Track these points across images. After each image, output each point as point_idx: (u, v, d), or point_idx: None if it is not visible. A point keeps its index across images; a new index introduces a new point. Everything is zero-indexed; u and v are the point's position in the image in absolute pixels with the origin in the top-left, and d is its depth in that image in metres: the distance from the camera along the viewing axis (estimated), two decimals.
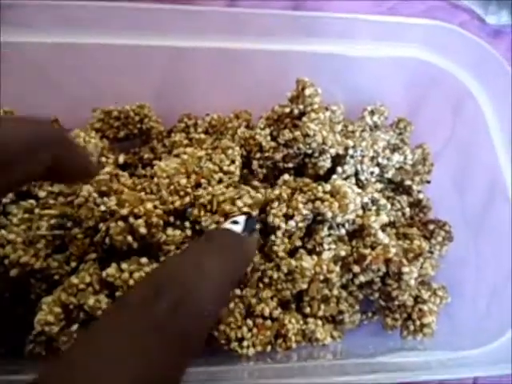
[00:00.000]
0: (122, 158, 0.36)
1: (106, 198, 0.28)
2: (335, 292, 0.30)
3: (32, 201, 0.30)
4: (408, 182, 0.36)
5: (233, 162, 0.33)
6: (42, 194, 0.30)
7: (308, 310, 0.30)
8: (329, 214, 0.29)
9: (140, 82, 0.38)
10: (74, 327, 0.26)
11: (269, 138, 0.34)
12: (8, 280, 0.27)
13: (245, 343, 0.27)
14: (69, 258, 0.29)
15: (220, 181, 0.32)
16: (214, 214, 0.28)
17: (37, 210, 0.30)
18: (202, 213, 0.28)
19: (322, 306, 0.31)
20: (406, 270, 0.29)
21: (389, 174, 0.35)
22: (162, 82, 0.39)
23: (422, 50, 0.39)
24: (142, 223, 0.27)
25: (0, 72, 0.33)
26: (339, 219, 0.29)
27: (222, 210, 0.28)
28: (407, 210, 0.35)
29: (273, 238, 0.30)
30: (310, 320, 0.30)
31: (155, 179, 0.31)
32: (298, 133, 0.31)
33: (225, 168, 0.33)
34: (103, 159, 0.35)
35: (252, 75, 0.39)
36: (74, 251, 0.29)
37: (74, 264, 0.29)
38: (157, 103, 0.39)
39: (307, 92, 0.32)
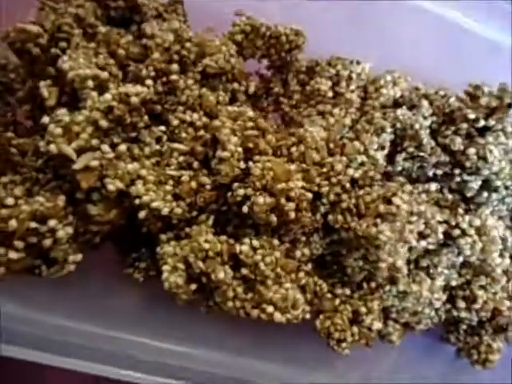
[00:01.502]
0: (252, 88, 0.31)
1: (251, 163, 0.25)
2: (427, 311, 0.31)
3: (163, 128, 0.26)
4: None
5: (382, 148, 0.29)
6: (174, 121, 0.26)
7: (395, 315, 0.31)
8: (467, 253, 0.27)
9: None
10: (193, 286, 0.25)
11: (428, 131, 0.29)
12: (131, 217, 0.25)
13: (344, 345, 0.27)
14: (190, 206, 0.26)
15: (362, 164, 0.29)
16: (361, 217, 0.26)
17: (167, 142, 0.26)
18: (349, 218, 0.26)
19: (407, 316, 0.31)
20: None
21: None
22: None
23: None
24: (293, 207, 0.24)
25: None
26: (473, 258, 0.28)
27: (373, 211, 0.26)
28: None
29: None
30: (390, 323, 0.31)
31: (301, 147, 0.27)
32: (472, 150, 0.27)
33: (371, 152, 0.29)
34: (236, 85, 0.29)
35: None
36: (199, 202, 0.26)
37: (194, 213, 0.26)
38: None
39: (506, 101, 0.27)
